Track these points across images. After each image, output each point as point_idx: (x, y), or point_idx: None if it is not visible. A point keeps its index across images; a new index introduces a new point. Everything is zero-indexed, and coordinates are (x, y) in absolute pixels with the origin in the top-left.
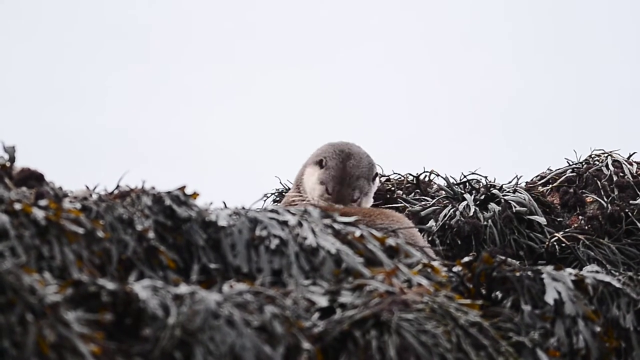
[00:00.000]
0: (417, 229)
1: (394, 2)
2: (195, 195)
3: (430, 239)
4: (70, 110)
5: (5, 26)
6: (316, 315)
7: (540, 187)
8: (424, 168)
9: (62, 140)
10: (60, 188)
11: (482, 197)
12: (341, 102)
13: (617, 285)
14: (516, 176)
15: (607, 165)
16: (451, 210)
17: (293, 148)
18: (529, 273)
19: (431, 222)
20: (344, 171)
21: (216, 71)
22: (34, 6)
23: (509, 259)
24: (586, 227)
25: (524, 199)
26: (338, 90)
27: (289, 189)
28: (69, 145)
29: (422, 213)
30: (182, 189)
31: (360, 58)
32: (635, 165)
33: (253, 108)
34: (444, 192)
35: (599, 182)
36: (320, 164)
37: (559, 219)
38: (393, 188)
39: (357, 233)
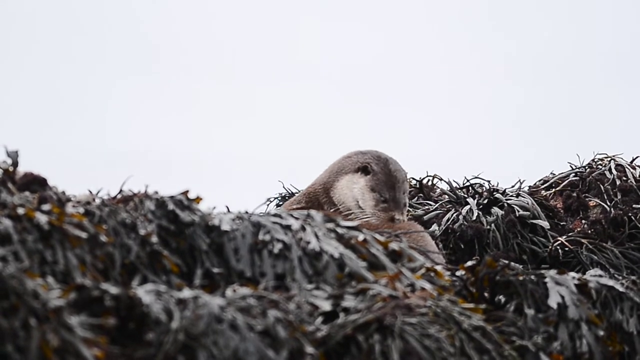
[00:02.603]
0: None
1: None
2: (198, 199)
3: (435, 241)
4: (73, 117)
5: (8, 36)
6: (319, 319)
7: (543, 191)
8: (427, 172)
9: (63, 146)
10: (63, 192)
11: (485, 201)
12: (342, 105)
13: (621, 289)
14: (519, 180)
15: (610, 169)
16: (454, 215)
17: (296, 152)
18: (532, 277)
19: (434, 227)
20: (392, 175)
21: (218, 76)
22: (33, 17)
23: (512, 263)
24: (589, 231)
25: (527, 203)
26: (338, 91)
27: (292, 193)
28: (70, 150)
29: (425, 217)
30: (185, 193)
31: (359, 58)
32: (638, 169)
33: (255, 112)
34: (447, 197)
35: (602, 186)
36: (365, 170)
37: (562, 223)
38: None
39: (360, 237)
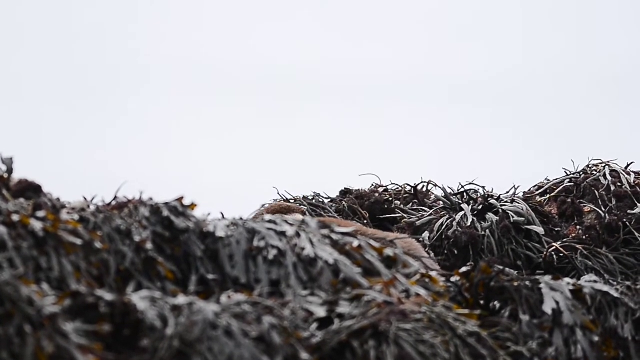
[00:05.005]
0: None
1: (395, 2)
2: (193, 206)
3: (426, 249)
4: (70, 128)
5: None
6: (314, 325)
7: (538, 197)
8: (422, 178)
9: (63, 158)
10: (58, 199)
11: (480, 207)
12: (337, 111)
13: (615, 294)
14: (514, 186)
15: (604, 175)
16: (448, 221)
17: (290, 158)
18: (527, 283)
19: (425, 234)
20: None
21: (213, 82)
22: (32, 18)
23: (507, 269)
24: (584, 237)
25: (522, 209)
26: (335, 96)
27: (287, 199)
28: (69, 159)
29: (418, 223)
30: (179, 199)
31: (356, 63)
32: (632, 175)
33: (251, 117)
34: (441, 203)
35: (596, 192)
36: None
37: (556, 229)
38: (391, 198)
39: (355, 243)
